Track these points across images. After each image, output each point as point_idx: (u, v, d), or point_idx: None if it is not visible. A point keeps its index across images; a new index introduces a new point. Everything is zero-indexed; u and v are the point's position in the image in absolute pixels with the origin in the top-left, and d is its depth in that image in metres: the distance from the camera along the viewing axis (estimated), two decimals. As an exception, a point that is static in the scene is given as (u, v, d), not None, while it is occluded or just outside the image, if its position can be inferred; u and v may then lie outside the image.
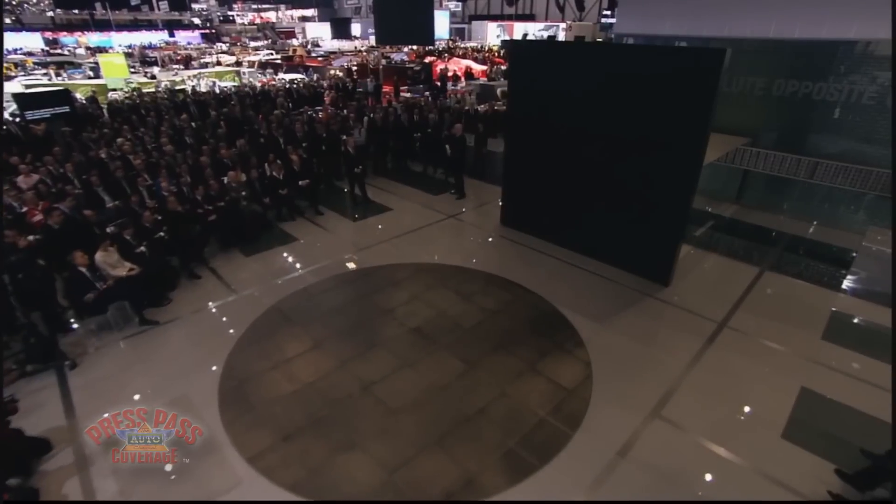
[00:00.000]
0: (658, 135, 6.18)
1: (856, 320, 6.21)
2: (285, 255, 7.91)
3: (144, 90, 18.53)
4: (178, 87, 19.03)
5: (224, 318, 6.28)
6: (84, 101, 15.59)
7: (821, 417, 4.74)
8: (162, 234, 7.09)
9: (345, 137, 10.19)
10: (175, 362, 5.46)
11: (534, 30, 37.91)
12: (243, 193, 8.58)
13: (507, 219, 8.74)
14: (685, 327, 6.02)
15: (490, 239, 8.44)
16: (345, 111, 12.76)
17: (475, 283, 6.89)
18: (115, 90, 19.31)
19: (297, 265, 7.52)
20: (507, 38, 39.08)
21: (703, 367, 5.37)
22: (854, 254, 7.29)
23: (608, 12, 32.89)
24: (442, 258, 7.63)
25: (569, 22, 35.27)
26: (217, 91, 17.82)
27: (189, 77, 21.74)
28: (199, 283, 7.10)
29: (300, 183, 9.20)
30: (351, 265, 7.50)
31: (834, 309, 6.36)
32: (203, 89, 18.51)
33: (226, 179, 8.57)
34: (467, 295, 6.60)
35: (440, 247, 8.09)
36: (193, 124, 11.76)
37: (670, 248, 6.62)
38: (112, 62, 21.91)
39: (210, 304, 6.57)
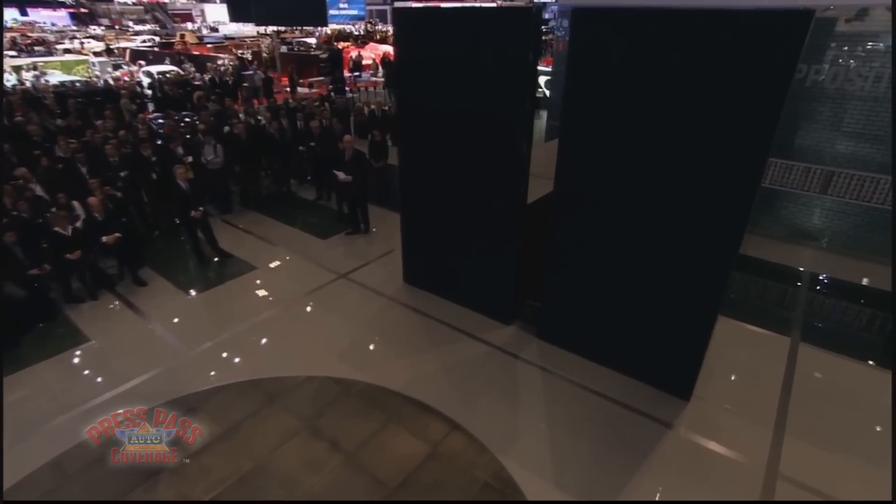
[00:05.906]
0: (680, 149, 3.59)
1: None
2: (57, 376, 4.74)
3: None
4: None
5: None
6: None
7: None
8: None
9: (188, 159, 7.08)
10: None
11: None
12: (-9, 269, 5.26)
13: (412, 275, 5.98)
14: (725, 482, 3.69)
15: (393, 314, 5.61)
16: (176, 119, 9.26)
17: (366, 418, 4.17)
18: None
19: (72, 399, 4.40)
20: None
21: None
22: None
23: (539, -10, 30.87)
24: (319, 364, 4.80)
25: (499, 1, 32.95)
26: (33, 87, 13.34)
27: (14, 67, 16.54)
28: None
29: (103, 239, 5.97)
30: (164, 390, 4.49)
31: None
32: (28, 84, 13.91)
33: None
34: (351, 452, 3.88)
35: (319, 339, 5.20)
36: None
37: (696, 340, 4.03)
38: None
39: None
